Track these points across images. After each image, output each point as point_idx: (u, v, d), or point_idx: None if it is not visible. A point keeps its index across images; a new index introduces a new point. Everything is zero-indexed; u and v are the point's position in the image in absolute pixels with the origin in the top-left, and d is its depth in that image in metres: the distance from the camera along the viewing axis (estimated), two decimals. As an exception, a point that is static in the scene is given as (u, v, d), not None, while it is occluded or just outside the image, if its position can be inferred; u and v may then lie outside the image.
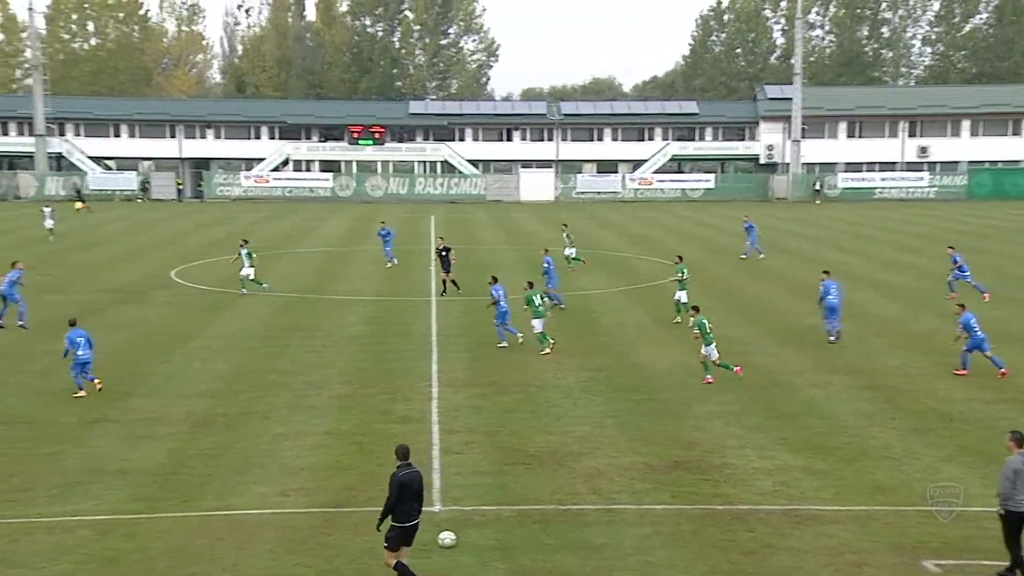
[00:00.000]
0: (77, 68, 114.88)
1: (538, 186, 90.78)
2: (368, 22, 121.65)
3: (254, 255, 35.97)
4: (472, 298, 34.19)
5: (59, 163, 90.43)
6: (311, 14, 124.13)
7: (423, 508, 13.03)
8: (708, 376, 23.08)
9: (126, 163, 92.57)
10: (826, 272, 29.06)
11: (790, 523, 15.09)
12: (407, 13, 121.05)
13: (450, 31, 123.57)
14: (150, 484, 16.37)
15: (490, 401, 21.57)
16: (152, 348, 26.56)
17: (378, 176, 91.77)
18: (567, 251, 41.33)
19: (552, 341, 26.41)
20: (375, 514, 13.11)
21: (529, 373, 24.07)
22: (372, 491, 15.67)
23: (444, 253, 35.85)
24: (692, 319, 23.89)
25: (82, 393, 21.54)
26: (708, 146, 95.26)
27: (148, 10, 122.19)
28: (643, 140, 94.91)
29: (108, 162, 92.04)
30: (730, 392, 22.39)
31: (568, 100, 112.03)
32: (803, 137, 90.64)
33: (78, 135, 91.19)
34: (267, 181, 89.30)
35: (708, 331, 23.08)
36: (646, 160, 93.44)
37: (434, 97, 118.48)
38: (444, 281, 35.49)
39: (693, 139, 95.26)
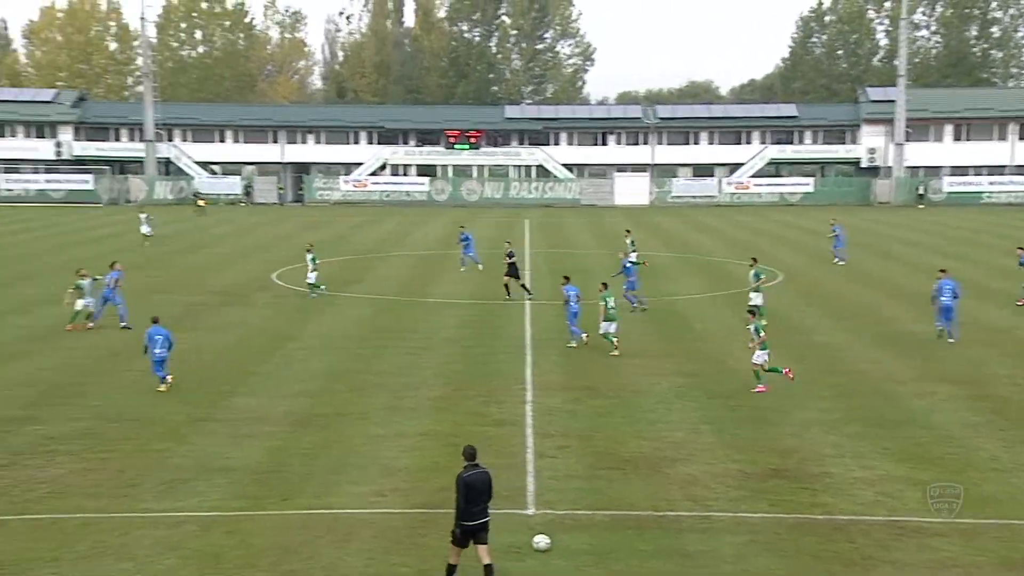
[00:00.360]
0: (185, 75, 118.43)
1: (633, 190, 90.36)
2: (465, 27, 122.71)
3: (318, 260, 36.50)
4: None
5: (167, 168, 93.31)
6: (410, 20, 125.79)
7: (490, 509, 13.05)
8: (760, 386, 22.59)
9: (230, 167, 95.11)
10: (942, 271, 28.20)
11: (893, 535, 14.69)
12: (504, 18, 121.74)
13: (546, 35, 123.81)
14: (251, 482, 16.73)
15: (584, 405, 21.49)
16: (254, 348, 27.16)
17: (473, 180, 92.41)
18: (630, 257, 39.25)
19: (615, 340, 26.44)
20: (440, 514, 13.18)
21: (623, 378, 23.92)
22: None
23: (510, 258, 35.86)
24: (750, 324, 23.19)
25: (163, 388, 22.38)
26: (807, 149, 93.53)
27: (253, 18, 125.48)
28: (740, 144, 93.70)
29: (213, 167, 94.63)
30: (829, 400, 21.92)
31: (664, 104, 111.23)
32: (907, 140, 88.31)
33: (185, 140, 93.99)
34: (365, 185, 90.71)
35: (764, 336, 22.63)
36: (743, 164, 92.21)
37: (530, 101, 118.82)
38: (507, 286, 35.31)
39: (792, 142, 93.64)
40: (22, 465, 17.45)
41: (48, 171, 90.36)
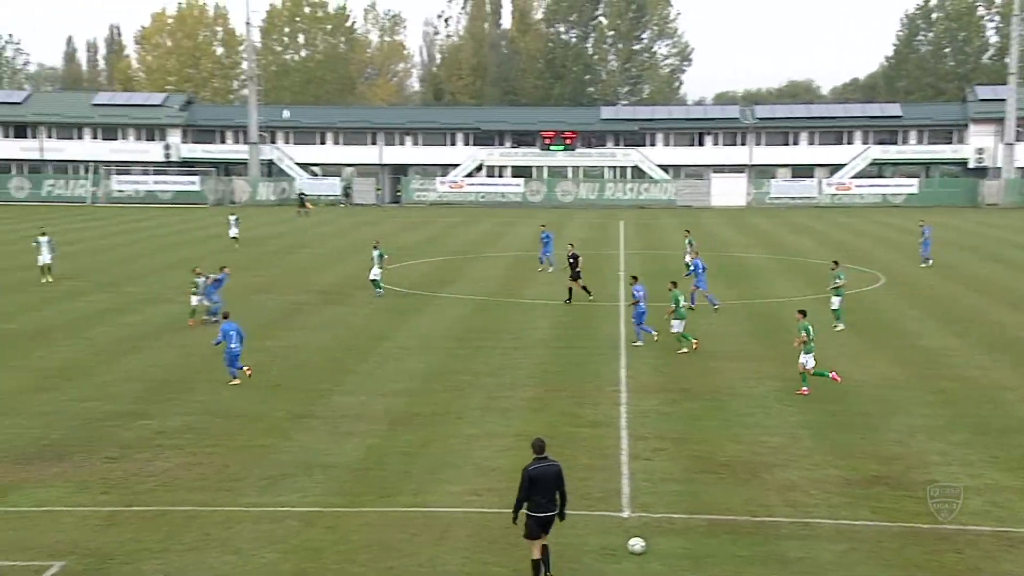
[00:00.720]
0: (288, 79, 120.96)
1: (730, 191, 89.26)
2: (562, 29, 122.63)
3: (385, 256, 37.27)
4: (657, 304, 33.88)
5: (270, 169, 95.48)
6: (507, 22, 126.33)
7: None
8: (804, 388, 22.17)
9: (330, 169, 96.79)
10: None
11: (1002, 546, 14.20)
12: (601, 19, 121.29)
13: (644, 36, 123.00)
14: (351, 479, 17.01)
15: (679, 407, 21.32)
16: (353, 347, 27.61)
17: (568, 181, 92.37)
18: (687, 258, 40.79)
19: (695, 341, 26.66)
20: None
21: (719, 380, 23.65)
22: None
23: (572, 260, 35.32)
24: (799, 323, 22.68)
25: (236, 381, 23.25)
26: (911, 150, 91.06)
27: (354, 22, 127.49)
28: (841, 144, 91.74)
29: (314, 168, 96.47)
30: (934, 406, 21.32)
31: (763, 103, 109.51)
32: (1017, 140, 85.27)
33: (287, 143, 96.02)
34: (461, 186, 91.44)
35: (812, 338, 22.31)
36: (844, 165, 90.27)
37: (626, 102, 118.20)
38: (571, 289, 34.89)
39: (895, 143, 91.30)
40: (132, 458, 18.05)
41: (157, 172, 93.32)
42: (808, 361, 22.33)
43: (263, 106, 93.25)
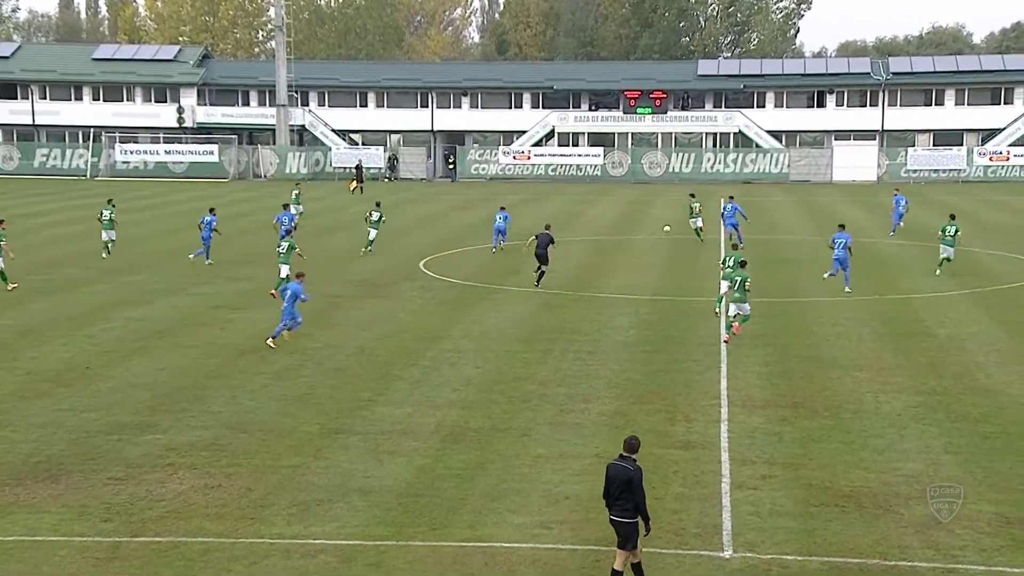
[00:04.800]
0: (323, 28, 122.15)
1: (856, 163, 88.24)
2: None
3: (384, 220, 43.70)
4: (772, 300, 33.58)
5: (301, 137, 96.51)
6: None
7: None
8: None
9: (372, 137, 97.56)
10: None
11: None
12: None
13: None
14: (396, 506, 17.14)
15: (793, 427, 21.13)
16: (399, 348, 27.81)
17: (658, 151, 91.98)
18: (692, 221, 48.21)
19: (736, 327, 28.12)
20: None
21: (842, 394, 23.40)
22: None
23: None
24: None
25: (272, 343, 27.03)
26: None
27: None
28: (997, 104, 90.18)
29: (353, 135, 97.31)
30: (1111, 429, 20.83)
31: (899, 55, 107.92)
32: None
33: (321, 105, 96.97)
34: (528, 157, 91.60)
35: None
36: (1001, 130, 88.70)
37: (728, 55, 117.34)
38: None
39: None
40: (139, 479, 18.38)
41: (168, 140, 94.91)
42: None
43: (294, 61, 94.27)
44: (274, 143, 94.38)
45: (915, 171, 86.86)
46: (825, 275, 35.81)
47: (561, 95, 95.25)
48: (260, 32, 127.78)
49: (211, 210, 43.15)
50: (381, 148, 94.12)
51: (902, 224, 51.89)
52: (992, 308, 32.83)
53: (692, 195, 50.72)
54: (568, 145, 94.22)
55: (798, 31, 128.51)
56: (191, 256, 42.04)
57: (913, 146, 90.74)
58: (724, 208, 47.76)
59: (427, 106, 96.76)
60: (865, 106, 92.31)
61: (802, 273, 39.04)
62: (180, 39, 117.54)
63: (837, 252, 35.35)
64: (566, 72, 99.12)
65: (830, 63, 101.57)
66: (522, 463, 19.10)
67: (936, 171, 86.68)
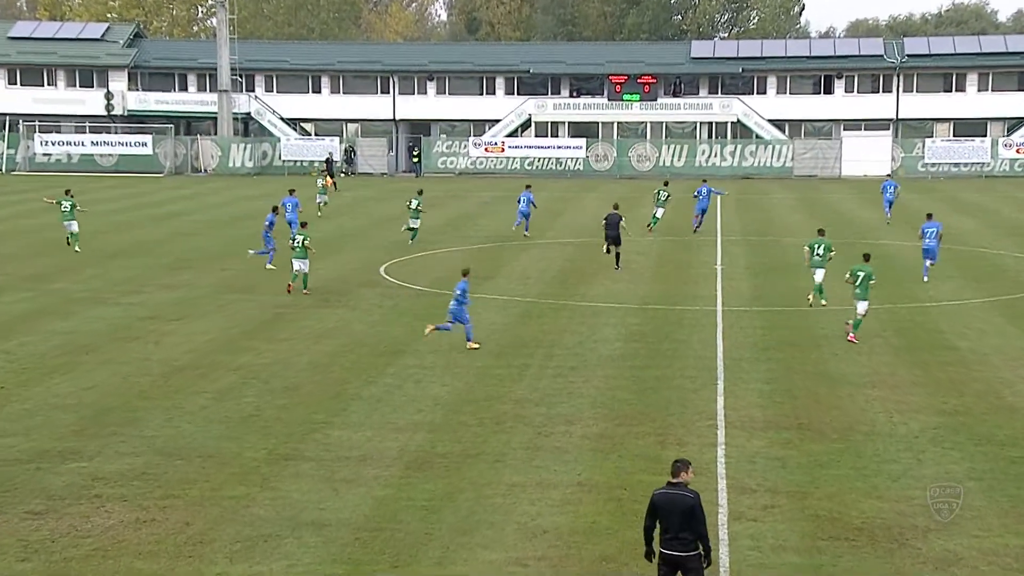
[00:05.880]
0: (270, 4, 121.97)
1: (868, 155, 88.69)
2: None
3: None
4: (774, 308, 33.69)
5: (246, 127, 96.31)
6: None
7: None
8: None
9: (326, 127, 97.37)
10: None
11: None
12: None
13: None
14: (353, 542, 17.09)
15: (798, 451, 21.21)
16: (356, 364, 27.76)
17: (646, 143, 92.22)
18: (657, 212, 51.74)
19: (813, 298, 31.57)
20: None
21: (853, 414, 23.50)
22: (638, 564, 15.71)
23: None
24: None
25: (473, 345, 28.90)
26: None
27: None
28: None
29: (305, 125, 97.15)
30: None
31: (915, 36, 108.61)
32: None
33: (269, 91, 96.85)
34: (502, 150, 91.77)
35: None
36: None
37: (725, 35, 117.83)
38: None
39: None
40: (62, 513, 18.24)
41: (95, 130, 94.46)
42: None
43: (238, 41, 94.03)
44: (215, 133, 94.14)
45: (934, 165, 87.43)
46: (925, 278, 38.17)
47: (539, 80, 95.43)
48: (199, 8, 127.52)
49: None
50: (336, 139, 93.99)
51: (889, 214, 55.83)
52: (1019, 318, 33.02)
53: (666, 183, 55.26)
54: (546, 136, 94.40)
55: (803, 9, 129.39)
56: (251, 252, 43.18)
57: (931, 137, 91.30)
58: (699, 192, 52.75)
59: (388, 92, 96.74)
60: (877, 92, 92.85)
61: (807, 279, 39.18)
62: (108, 16, 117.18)
63: (927, 242, 37.75)
64: (544, 54, 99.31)
65: (838, 44, 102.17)
66: (495, 492, 19.08)
67: (957, 165, 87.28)
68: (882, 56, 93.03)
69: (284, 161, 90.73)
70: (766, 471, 20.12)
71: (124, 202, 67.97)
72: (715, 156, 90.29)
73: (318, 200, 60.36)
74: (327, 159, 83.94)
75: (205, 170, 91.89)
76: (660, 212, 51.78)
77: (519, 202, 51.61)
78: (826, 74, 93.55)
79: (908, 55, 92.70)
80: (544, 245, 49.34)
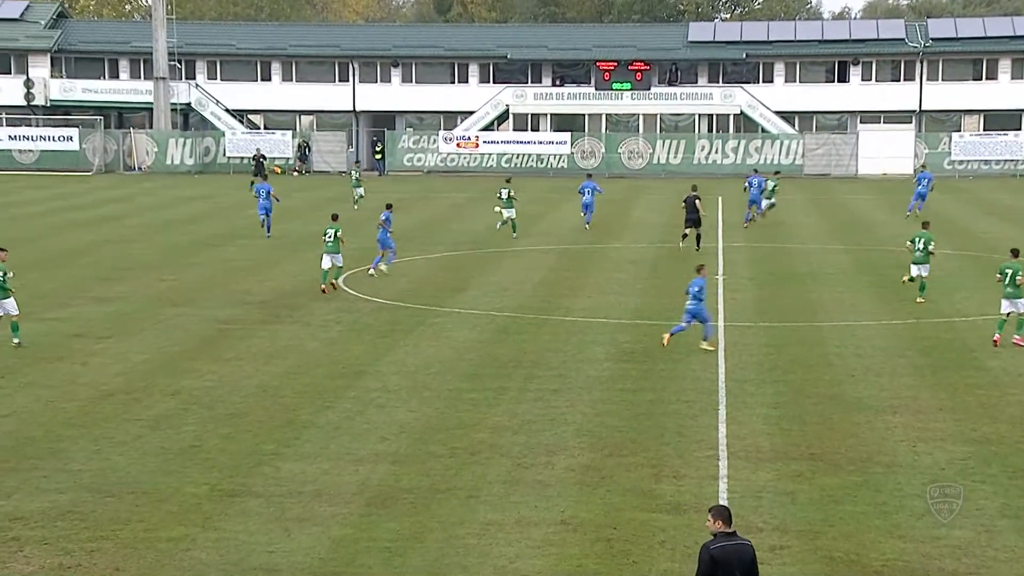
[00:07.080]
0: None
1: (888, 151, 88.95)
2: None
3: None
4: (782, 324, 33.76)
5: (186, 119, 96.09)
6: None
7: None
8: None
9: (277, 119, 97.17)
10: None
11: None
12: None
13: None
14: (307, 588, 17.07)
15: (810, 484, 21.24)
16: (311, 387, 27.68)
17: (639, 138, 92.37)
18: (504, 211, 52.79)
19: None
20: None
21: (870, 443, 23.54)
22: (629, 615, 15.72)
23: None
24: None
25: (708, 346, 30.49)
26: None
27: None
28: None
29: (253, 117, 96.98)
30: None
31: (940, 17, 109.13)
32: None
33: (212, 79, 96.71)
34: (476, 145, 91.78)
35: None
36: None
37: (727, 16, 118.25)
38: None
39: None
40: (-24, 555, 18.16)
41: (13, 123, 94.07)
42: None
43: (176, 23, 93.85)
44: (151, 126, 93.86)
45: (962, 161, 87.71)
46: (907, 213, 39.63)
47: (517, 67, 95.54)
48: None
49: (388, 206, 46.28)
50: (288, 133, 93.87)
51: (919, 207, 56.80)
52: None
53: (508, 180, 56.83)
54: (526, 129, 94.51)
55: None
56: (374, 270, 42.95)
57: (959, 131, 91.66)
58: (749, 182, 56.91)
59: (347, 80, 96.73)
60: (898, 81, 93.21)
61: (820, 290, 39.29)
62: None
63: (920, 188, 42.26)
64: (523, 38, 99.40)
65: (854, 27, 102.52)
66: (468, 532, 19.06)
67: (987, 162, 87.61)
68: (903, 40, 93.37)
69: (229, 158, 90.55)
70: (774, 507, 20.13)
71: (47, 204, 67.67)
72: (716, 152, 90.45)
73: (355, 193, 64.99)
74: (255, 156, 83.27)
75: (139, 168, 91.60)
76: (510, 214, 52.84)
77: (582, 193, 54.27)
78: (840, 60, 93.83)
79: (933, 39, 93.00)
80: (522, 253, 49.32)
